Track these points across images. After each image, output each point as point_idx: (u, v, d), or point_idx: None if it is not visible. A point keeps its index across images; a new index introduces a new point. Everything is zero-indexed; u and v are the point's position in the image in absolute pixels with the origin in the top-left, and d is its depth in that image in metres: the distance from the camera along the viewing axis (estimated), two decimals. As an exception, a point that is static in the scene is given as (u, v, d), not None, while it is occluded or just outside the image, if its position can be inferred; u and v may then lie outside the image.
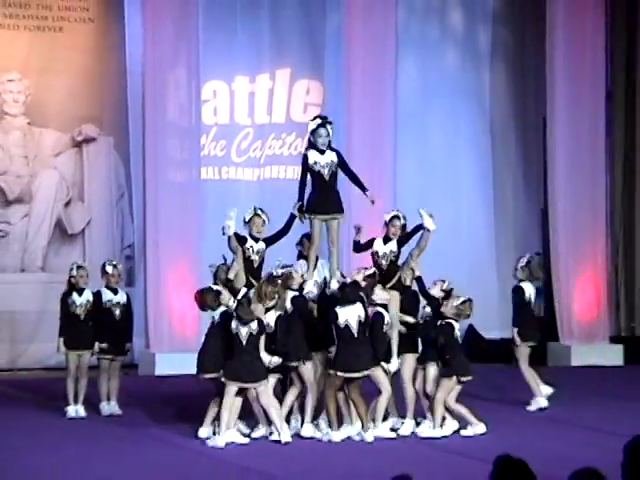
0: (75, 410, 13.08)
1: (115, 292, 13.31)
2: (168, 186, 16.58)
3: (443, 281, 12.55)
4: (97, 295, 13.27)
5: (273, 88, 17.93)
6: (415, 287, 12.61)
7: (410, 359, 12.47)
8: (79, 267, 13.57)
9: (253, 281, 12.15)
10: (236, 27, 17.64)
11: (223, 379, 11.85)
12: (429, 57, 18.43)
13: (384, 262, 12.52)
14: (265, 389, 11.94)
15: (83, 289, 13.26)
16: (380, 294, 12.18)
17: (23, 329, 16.12)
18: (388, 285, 12.40)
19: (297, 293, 12.34)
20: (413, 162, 17.92)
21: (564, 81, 17.71)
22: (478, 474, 6.25)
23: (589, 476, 5.75)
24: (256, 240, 12.28)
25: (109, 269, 13.41)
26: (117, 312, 13.20)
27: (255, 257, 12.34)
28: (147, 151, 16.56)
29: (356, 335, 11.95)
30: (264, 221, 12.59)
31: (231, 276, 12.31)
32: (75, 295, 13.22)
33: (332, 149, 12.45)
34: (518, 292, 13.57)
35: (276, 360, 11.98)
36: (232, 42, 17.57)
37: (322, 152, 12.41)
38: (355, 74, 17.21)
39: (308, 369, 12.18)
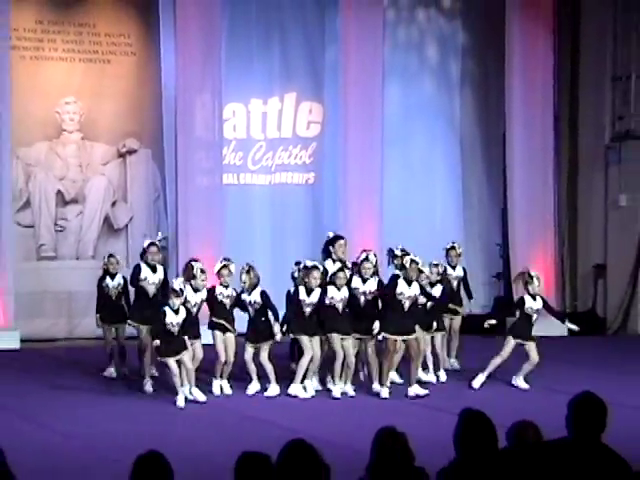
0: (110, 372, 13.14)
1: (154, 270, 12.90)
2: (195, 189, 16.60)
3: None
4: (136, 267, 12.95)
5: (282, 109, 17.88)
6: None
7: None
8: (110, 256, 13.52)
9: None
10: (252, 58, 17.55)
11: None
12: (410, 84, 18.36)
13: None
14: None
15: (115, 274, 13.24)
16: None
17: (78, 306, 16.06)
18: None
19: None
20: (397, 169, 17.83)
21: (520, 104, 17.77)
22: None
23: (524, 426, 6.00)
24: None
25: (151, 248, 12.98)
26: (152, 288, 12.84)
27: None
28: (178, 160, 16.60)
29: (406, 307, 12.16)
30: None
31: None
32: (108, 279, 13.20)
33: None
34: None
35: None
36: (248, 71, 17.51)
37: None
38: (349, 97, 17.18)
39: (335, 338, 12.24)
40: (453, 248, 13.78)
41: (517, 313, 13.05)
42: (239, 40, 17.33)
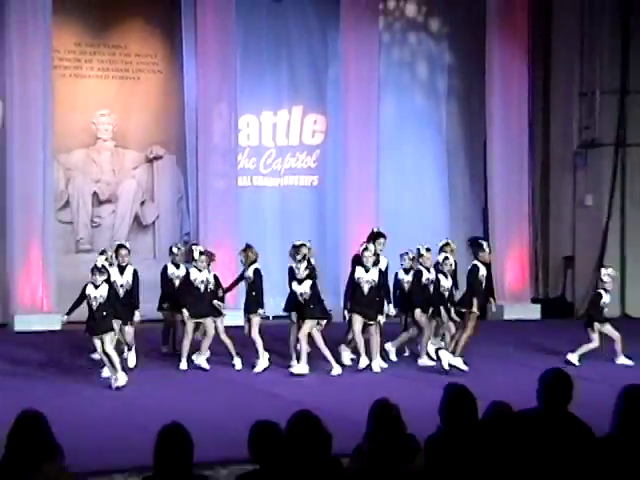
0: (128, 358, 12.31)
1: (177, 267, 13.04)
2: (214, 191, 16.62)
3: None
4: (164, 269, 12.99)
5: (290, 120, 17.92)
6: None
7: None
8: (120, 246, 12.75)
9: None
10: (263, 75, 17.57)
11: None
12: (402, 97, 18.35)
13: None
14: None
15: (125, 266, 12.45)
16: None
17: None
18: None
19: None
20: (391, 172, 17.82)
21: (498, 115, 17.84)
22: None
23: (499, 405, 6.01)
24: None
25: (174, 250, 13.18)
26: (177, 282, 12.87)
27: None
28: (199, 165, 16.66)
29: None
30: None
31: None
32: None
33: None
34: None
35: None
36: (260, 86, 17.51)
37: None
38: (349, 109, 17.22)
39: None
40: (448, 244, 13.15)
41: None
42: (252, 59, 17.35)
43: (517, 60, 17.85)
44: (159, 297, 13.07)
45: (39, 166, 15.82)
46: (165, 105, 17.32)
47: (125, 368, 11.51)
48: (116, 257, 12.45)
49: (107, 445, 8.65)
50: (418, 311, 12.42)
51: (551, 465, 5.35)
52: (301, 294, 12.00)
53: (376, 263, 12.32)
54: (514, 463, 5.35)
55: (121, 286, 12.18)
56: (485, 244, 12.73)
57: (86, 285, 11.26)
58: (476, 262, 12.29)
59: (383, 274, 12.39)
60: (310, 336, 11.98)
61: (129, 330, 12.17)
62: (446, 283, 12.41)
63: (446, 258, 12.40)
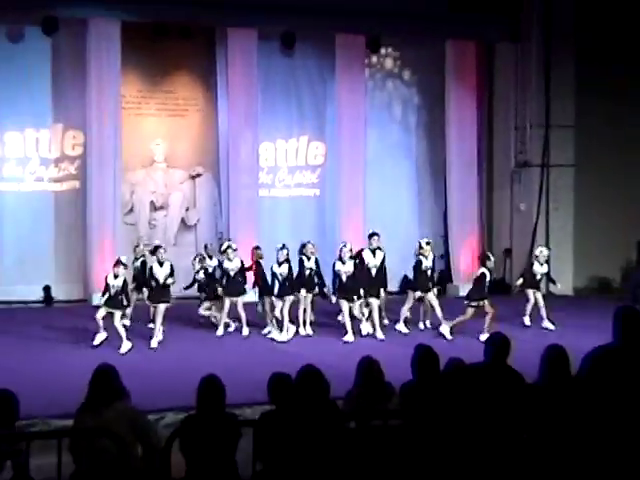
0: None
1: (210, 258, 12.92)
2: (240, 200, 16.54)
3: None
4: (203, 258, 12.76)
5: (298, 146, 17.83)
6: None
7: None
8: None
9: None
10: (277, 113, 17.41)
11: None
12: (382, 129, 18.21)
13: None
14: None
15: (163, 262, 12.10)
16: None
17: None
18: None
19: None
20: (375, 186, 17.64)
21: (455, 142, 17.76)
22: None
23: (455, 361, 6.00)
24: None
25: (208, 245, 13.21)
26: (210, 269, 12.74)
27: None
28: (229, 180, 16.60)
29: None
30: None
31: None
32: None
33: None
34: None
35: None
36: (275, 120, 17.37)
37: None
38: (343, 138, 17.19)
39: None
40: (428, 243, 12.79)
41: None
42: (269, 99, 17.23)
43: (468, 101, 17.81)
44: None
45: (110, 181, 15.84)
46: (204, 135, 17.27)
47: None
48: (154, 254, 12.27)
49: (162, 390, 8.73)
50: (431, 293, 12.44)
51: (493, 403, 5.39)
52: (309, 274, 12.39)
53: (353, 257, 12.35)
54: (467, 402, 5.37)
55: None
56: (492, 256, 12.81)
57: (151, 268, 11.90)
58: (484, 269, 12.29)
59: (382, 262, 12.39)
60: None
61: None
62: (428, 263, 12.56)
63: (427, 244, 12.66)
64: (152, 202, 17.03)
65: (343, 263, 12.23)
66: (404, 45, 17.99)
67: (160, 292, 11.82)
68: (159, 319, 11.69)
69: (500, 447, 5.11)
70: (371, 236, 12.75)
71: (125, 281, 11.52)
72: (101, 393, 5.51)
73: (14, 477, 5.11)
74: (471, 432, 5.11)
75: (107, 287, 11.41)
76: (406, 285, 13.21)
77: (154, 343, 11.53)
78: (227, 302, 12.24)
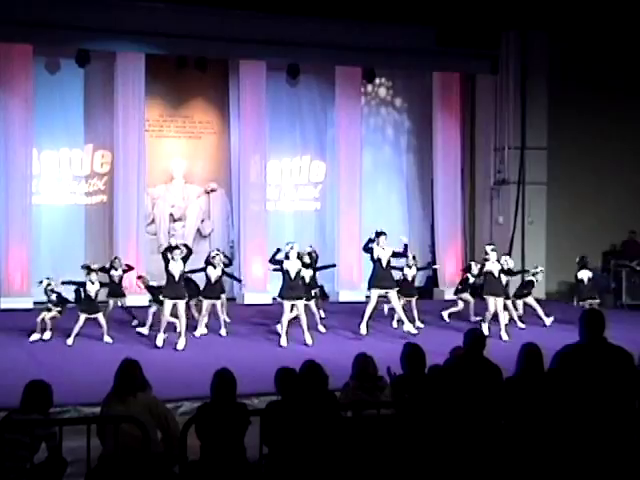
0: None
1: (214, 267, 12.21)
2: (250, 213, 16.51)
3: None
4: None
5: (301, 165, 17.84)
6: None
7: None
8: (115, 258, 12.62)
9: None
10: (284, 134, 17.41)
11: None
12: (376, 150, 18.23)
13: None
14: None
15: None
16: None
17: None
18: None
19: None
20: (369, 201, 17.66)
21: (441, 162, 17.77)
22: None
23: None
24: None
25: (212, 253, 12.26)
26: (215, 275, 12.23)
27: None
28: (240, 195, 16.58)
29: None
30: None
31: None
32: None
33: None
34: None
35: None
36: (281, 142, 17.36)
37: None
38: (341, 158, 17.19)
39: None
40: (414, 257, 12.98)
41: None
42: (276, 123, 17.22)
43: (453, 125, 17.82)
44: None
45: (135, 196, 15.86)
46: (218, 155, 17.25)
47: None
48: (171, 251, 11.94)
49: (179, 381, 8.71)
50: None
51: (475, 391, 5.38)
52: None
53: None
54: (450, 392, 5.37)
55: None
56: (474, 266, 13.16)
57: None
58: (468, 274, 12.92)
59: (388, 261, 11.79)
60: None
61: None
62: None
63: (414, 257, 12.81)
64: (171, 214, 17.01)
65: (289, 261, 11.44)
66: (396, 76, 18.10)
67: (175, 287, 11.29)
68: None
69: (480, 432, 5.11)
70: (378, 235, 11.95)
71: (101, 284, 11.52)
72: (126, 384, 5.51)
73: (49, 457, 5.13)
74: (455, 419, 5.10)
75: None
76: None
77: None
78: (205, 304, 11.95)
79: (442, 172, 17.78)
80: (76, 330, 11.10)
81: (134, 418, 4.95)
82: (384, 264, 11.64)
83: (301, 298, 11.27)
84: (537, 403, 5.00)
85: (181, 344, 10.88)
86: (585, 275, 13.23)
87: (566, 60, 17.32)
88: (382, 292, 11.63)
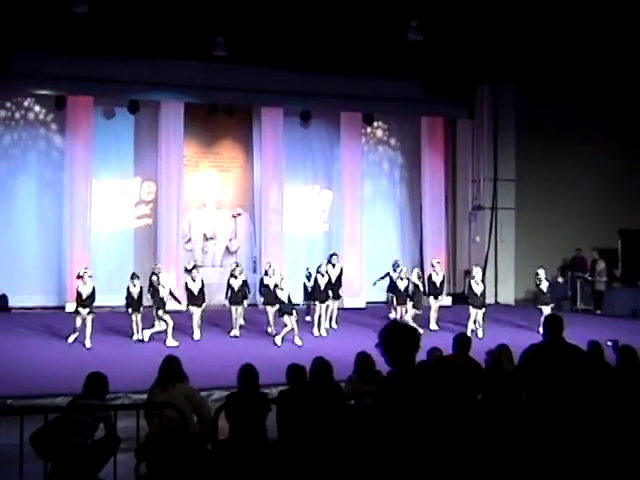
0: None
1: (235, 277, 12.19)
2: (270, 234, 16.42)
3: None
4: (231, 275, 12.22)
5: (312, 193, 17.79)
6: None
7: None
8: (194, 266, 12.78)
9: None
10: (298, 167, 17.34)
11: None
12: (375, 182, 18.11)
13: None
14: None
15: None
16: None
17: (211, 291, 14.83)
18: None
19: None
20: (369, 225, 17.46)
21: (428, 191, 17.68)
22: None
23: (434, 350, 6.13)
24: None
25: (233, 266, 12.56)
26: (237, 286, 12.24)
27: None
28: (262, 219, 16.51)
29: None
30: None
31: None
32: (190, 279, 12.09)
33: None
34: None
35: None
36: (295, 174, 17.27)
37: None
38: (345, 188, 17.13)
39: None
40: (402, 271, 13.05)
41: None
42: (291, 159, 17.17)
43: (438, 160, 17.78)
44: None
45: (174, 219, 15.94)
46: (243, 185, 17.22)
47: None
48: (190, 272, 12.29)
49: (211, 373, 8.67)
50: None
51: (460, 381, 5.31)
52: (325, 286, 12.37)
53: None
54: (439, 386, 5.32)
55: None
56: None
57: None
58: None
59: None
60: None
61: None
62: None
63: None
64: (204, 234, 16.99)
65: (269, 277, 12.11)
66: (391, 120, 18.14)
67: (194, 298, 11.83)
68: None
69: (460, 407, 5.04)
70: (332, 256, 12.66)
71: (94, 288, 11.28)
72: (168, 376, 5.53)
73: (106, 435, 5.17)
74: (443, 403, 5.05)
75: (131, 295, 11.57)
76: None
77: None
78: (232, 309, 12.10)
79: (429, 199, 17.74)
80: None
81: (174, 405, 4.97)
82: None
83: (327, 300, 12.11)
84: (507, 392, 4.98)
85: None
86: (544, 285, 13.17)
87: (531, 106, 17.52)
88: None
